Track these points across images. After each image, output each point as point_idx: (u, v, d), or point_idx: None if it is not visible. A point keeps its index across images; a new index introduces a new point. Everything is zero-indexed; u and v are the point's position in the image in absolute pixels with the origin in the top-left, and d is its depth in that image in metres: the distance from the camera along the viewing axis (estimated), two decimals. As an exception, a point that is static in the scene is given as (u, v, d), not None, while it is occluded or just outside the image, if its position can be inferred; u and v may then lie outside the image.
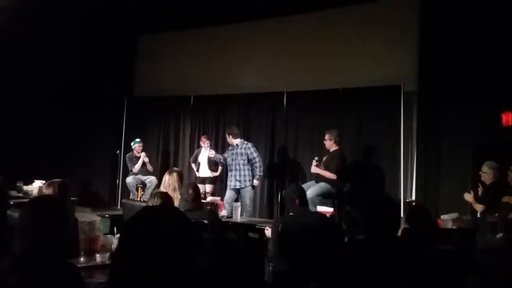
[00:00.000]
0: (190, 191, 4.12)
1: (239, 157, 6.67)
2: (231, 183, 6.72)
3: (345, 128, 7.19)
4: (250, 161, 6.70)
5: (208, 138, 7.85)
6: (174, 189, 4.67)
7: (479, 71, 6.01)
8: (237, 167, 6.66)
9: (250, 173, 6.70)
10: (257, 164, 6.73)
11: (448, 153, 6.46)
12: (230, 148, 6.87)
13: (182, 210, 4.07)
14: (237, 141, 6.75)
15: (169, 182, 4.76)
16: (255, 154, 6.74)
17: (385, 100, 6.92)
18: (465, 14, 6.18)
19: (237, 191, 6.71)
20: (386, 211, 2.28)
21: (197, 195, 4.16)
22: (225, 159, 6.94)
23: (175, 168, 5.49)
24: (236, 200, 6.55)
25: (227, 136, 6.84)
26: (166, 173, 4.96)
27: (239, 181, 6.65)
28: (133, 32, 9.34)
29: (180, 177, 4.85)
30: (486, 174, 5.37)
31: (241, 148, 6.72)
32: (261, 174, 6.92)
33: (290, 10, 7.71)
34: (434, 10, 6.57)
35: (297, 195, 3.81)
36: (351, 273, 2.11)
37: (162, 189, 4.75)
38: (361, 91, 7.03)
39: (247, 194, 6.67)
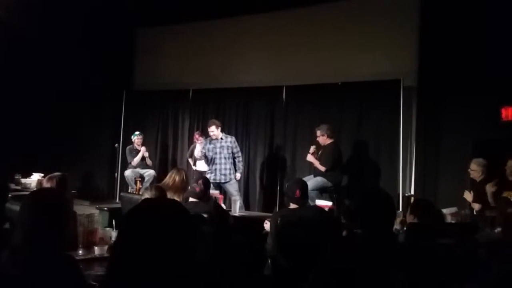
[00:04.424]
0: (200, 181, 4.19)
1: (225, 151, 6.63)
2: (216, 177, 6.57)
3: (344, 122, 7.20)
4: (233, 155, 6.70)
5: (201, 134, 7.83)
6: (176, 185, 4.59)
7: (478, 66, 5.99)
8: (222, 161, 6.60)
9: (233, 167, 6.70)
10: (240, 158, 6.83)
11: (447, 148, 6.46)
12: (210, 141, 6.72)
13: (190, 199, 4.14)
14: (221, 134, 6.73)
15: (173, 176, 4.68)
16: (238, 148, 6.84)
17: (384, 95, 6.92)
18: (465, 8, 6.16)
19: (219, 186, 6.63)
20: (379, 204, 2.27)
21: (206, 187, 4.23)
22: (204, 154, 6.79)
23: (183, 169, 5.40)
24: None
25: (215, 128, 6.60)
26: (175, 169, 4.87)
27: (224, 174, 6.59)
28: (132, 25, 9.30)
29: (186, 176, 4.79)
30: (475, 171, 5.35)
31: (226, 142, 6.68)
32: (242, 168, 6.99)
33: (289, 4, 7.69)
34: (434, 5, 6.55)
35: (299, 187, 3.84)
36: (348, 267, 2.11)
37: (168, 180, 4.67)
38: (361, 86, 7.02)
39: (232, 187, 6.61)
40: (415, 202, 3.97)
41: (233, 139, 6.82)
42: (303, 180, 4.41)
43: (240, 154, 6.83)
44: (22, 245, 1.80)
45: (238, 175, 6.83)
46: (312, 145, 6.53)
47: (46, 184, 3.81)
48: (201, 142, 7.65)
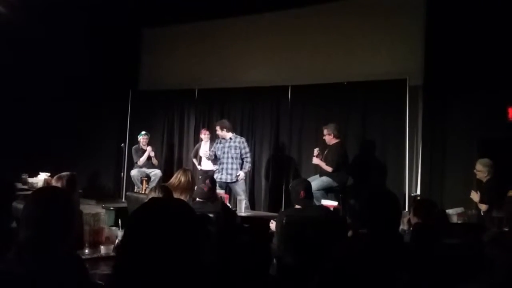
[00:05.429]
0: (207, 181, 4.20)
1: (233, 151, 6.67)
2: (222, 176, 6.64)
3: (350, 122, 7.19)
4: (242, 156, 6.73)
5: (209, 130, 7.85)
6: (181, 186, 4.58)
7: (485, 64, 5.96)
8: (229, 161, 6.65)
9: (239, 167, 6.72)
10: (249, 159, 6.82)
11: (453, 147, 6.43)
12: (219, 141, 6.82)
13: (197, 199, 4.14)
14: (230, 134, 6.75)
15: (179, 177, 4.66)
16: (248, 149, 6.83)
17: (390, 94, 6.90)
18: (471, 7, 6.12)
19: (225, 185, 6.69)
20: (385, 205, 2.27)
21: (213, 187, 4.25)
22: (214, 154, 6.87)
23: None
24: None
25: (219, 129, 6.71)
26: (181, 169, 4.86)
27: (231, 174, 6.63)
28: (138, 25, 9.32)
29: (192, 177, 4.80)
30: (481, 172, 5.31)
31: (235, 142, 6.72)
32: (250, 169, 6.99)
33: (295, 3, 7.67)
34: (439, 3, 6.52)
35: (302, 188, 3.82)
36: (354, 267, 2.11)
37: (174, 181, 4.65)
38: (366, 85, 7.00)
39: (239, 187, 6.66)
40: (418, 203, 3.96)
41: (243, 139, 6.85)
42: (307, 180, 4.39)
43: (248, 155, 6.83)
44: (27, 244, 1.80)
45: (242, 174, 6.74)
46: (317, 145, 6.54)
47: (56, 184, 3.81)
48: (207, 139, 7.66)
